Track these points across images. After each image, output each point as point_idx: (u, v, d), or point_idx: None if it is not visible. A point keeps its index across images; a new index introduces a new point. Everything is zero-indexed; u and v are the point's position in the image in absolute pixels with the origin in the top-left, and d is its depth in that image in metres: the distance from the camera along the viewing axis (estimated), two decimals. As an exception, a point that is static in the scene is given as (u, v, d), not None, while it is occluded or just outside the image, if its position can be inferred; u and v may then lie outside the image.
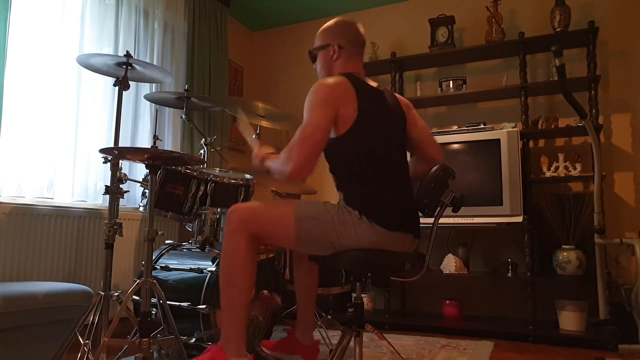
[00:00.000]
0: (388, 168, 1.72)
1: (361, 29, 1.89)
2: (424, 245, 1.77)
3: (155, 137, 2.11)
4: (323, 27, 1.89)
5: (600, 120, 3.25)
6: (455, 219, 3.08)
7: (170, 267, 2.28)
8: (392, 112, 1.80)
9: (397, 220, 1.67)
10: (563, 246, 3.01)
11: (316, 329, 2.28)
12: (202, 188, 2.34)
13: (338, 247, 1.65)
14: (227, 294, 1.66)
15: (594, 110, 3.12)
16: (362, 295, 2.55)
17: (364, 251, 1.63)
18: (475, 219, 3.09)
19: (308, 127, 1.62)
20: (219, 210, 2.24)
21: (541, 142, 3.48)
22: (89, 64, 2.09)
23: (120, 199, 2.04)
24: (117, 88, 2.08)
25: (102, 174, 2.79)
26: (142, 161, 1.92)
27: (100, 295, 1.92)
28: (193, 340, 2.06)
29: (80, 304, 2.09)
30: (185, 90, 2.68)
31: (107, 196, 2.00)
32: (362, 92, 1.71)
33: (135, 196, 3.00)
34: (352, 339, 1.74)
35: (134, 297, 2.18)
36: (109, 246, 1.96)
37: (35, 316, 1.93)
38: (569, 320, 2.91)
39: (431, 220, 1.75)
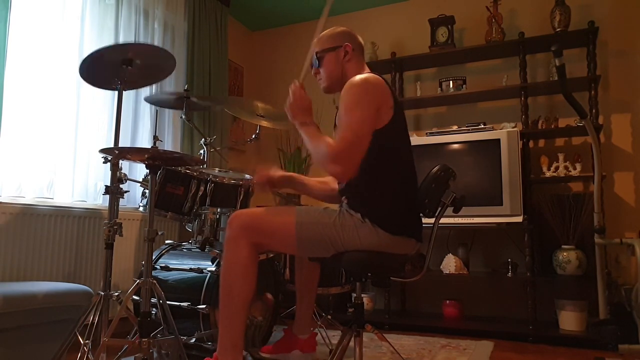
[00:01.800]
0: (403, 173, 1.71)
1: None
2: (425, 245, 1.77)
3: (156, 138, 2.11)
4: (326, 34, 1.88)
5: (600, 120, 3.25)
6: (455, 219, 3.07)
7: (170, 267, 2.28)
8: (405, 119, 1.81)
9: (401, 225, 1.67)
10: (563, 246, 3.01)
11: (316, 329, 2.28)
12: (202, 188, 2.34)
13: (340, 249, 1.65)
14: (226, 303, 1.65)
15: (594, 110, 3.12)
16: (362, 295, 2.54)
17: (365, 252, 1.63)
18: (475, 219, 3.09)
19: (357, 127, 1.56)
20: (218, 210, 2.24)
21: (541, 142, 3.48)
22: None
23: (120, 199, 2.03)
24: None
25: (102, 174, 2.79)
26: (142, 161, 1.92)
27: (100, 295, 1.91)
28: (193, 340, 2.05)
29: (80, 304, 2.08)
30: (185, 90, 2.68)
31: (107, 196, 1.99)
32: (394, 94, 1.71)
33: (135, 196, 3.00)
34: (352, 339, 1.74)
35: (134, 297, 2.18)
36: (109, 246, 1.96)
37: (35, 316, 1.92)
38: (569, 320, 2.91)
39: (432, 220, 1.75)
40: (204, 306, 2.07)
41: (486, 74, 3.68)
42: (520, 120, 3.32)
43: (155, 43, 3.27)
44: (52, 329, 2.02)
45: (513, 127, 3.27)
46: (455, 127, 3.42)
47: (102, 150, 1.83)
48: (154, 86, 3.16)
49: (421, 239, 1.75)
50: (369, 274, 1.72)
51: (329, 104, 4.18)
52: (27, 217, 2.38)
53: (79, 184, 2.68)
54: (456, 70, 3.76)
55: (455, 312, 3.29)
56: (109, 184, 1.99)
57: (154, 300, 1.90)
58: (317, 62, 1.87)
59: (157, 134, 2.17)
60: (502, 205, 3.03)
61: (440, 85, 3.60)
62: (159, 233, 1.90)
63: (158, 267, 2.30)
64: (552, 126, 3.29)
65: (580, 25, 3.29)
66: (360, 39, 1.91)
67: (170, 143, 3.38)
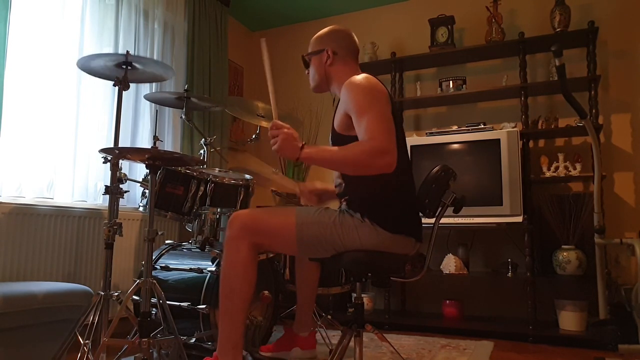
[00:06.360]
0: (400, 172, 1.70)
1: (354, 37, 1.90)
2: (425, 245, 1.77)
3: (156, 138, 2.11)
4: (316, 34, 1.91)
5: (600, 120, 3.25)
6: (455, 219, 3.07)
7: (170, 267, 2.28)
8: (400, 119, 1.81)
9: (400, 224, 1.67)
10: (563, 246, 3.01)
11: (316, 329, 2.28)
12: (202, 188, 2.34)
13: (340, 249, 1.66)
14: (226, 303, 1.65)
15: (594, 110, 3.12)
16: (362, 295, 2.53)
17: (365, 252, 1.63)
18: (475, 219, 3.09)
19: (383, 121, 1.56)
20: (218, 210, 2.24)
21: (541, 142, 3.48)
22: (89, 67, 2.07)
23: (120, 199, 2.04)
24: (117, 88, 2.08)
25: (102, 174, 2.79)
26: (142, 161, 1.93)
27: (100, 295, 1.91)
28: (193, 340, 2.05)
29: (80, 304, 2.08)
30: (185, 90, 2.68)
31: (107, 196, 2.00)
32: (389, 93, 1.72)
33: (135, 196, 3.00)
34: (352, 339, 1.74)
35: (134, 297, 2.18)
36: (109, 246, 1.96)
37: (35, 316, 1.92)
38: (569, 320, 2.91)
39: (432, 220, 1.75)
40: (204, 306, 2.07)
41: (486, 74, 3.68)
42: (520, 120, 3.32)
43: (155, 43, 3.27)
44: (52, 329, 2.02)
45: (513, 127, 3.27)
46: (455, 127, 3.42)
47: (102, 150, 1.83)
48: (154, 84, 3.16)
49: (421, 238, 1.75)
50: (369, 274, 1.72)
51: (328, 102, 4.18)
52: (27, 217, 2.38)
53: (79, 184, 2.68)
54: (456, 70, 3.76)
55: (455, 312, 3.29)
56: (109, 184, 1.99)
57: (154, 300, 1.90)
58: (305, 64, 1.93)
59: (157, 134, 2.17)
60: (502, 205, 3.03)
61: (440, 85, 3.60)
62: (159, 233, 1.90)
63: (158, 267, 2.30)
64: (552, 126, 3.28)
65: (580, 25, 3.29)
66: (352, 40, 1.88)
67: (170, 143, 3.38)
